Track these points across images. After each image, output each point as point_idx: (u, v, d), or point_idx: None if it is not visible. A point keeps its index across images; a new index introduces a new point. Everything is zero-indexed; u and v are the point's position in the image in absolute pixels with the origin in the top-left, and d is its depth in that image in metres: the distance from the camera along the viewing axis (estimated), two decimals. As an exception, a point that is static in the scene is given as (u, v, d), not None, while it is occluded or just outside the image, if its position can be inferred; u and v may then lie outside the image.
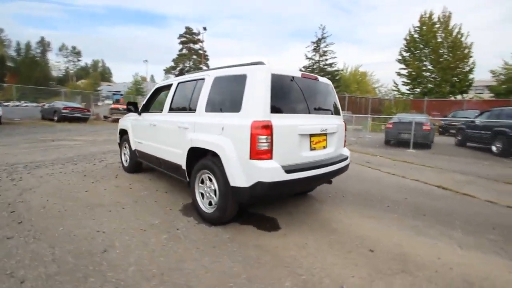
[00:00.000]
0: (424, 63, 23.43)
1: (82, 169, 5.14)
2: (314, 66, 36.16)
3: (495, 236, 2.89)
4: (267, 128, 2.42)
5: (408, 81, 24.77)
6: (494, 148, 8.75)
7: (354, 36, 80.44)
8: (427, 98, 21.54)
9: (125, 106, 5.31)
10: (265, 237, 2.69)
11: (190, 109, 3.30)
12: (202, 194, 3.04)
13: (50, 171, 4.88)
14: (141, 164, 4.90)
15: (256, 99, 2.52)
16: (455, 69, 21.74)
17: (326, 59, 35.14)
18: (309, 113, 2.91)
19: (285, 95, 2.69)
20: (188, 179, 3.23)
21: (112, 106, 21.27)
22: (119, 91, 33.71)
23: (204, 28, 26.10)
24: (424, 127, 9.87)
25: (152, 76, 57.71)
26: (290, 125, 2.64)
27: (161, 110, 5.20)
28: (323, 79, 3.29)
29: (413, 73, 23.93)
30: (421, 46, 23.56)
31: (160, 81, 4.55)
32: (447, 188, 4.72)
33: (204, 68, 30.07)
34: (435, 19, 22.83)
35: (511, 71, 21.10)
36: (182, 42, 32.20)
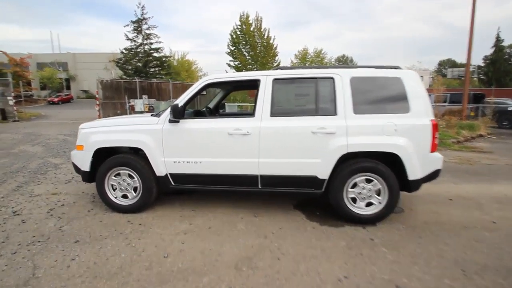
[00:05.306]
0: (247, 57, 28.10)
1: (56, 234, 2.67)
2: (138, 49, 32.82)
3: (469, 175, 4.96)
4: (437, 125, 2.88)
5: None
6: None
7: (160, 21, 78.44)
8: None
9: None
10: (412, 218, 3.18)
11: (320, 111, 2.90)
12: (353, 198, 2.94)
13: (42, 249, 2.23)
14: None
15: (424, 100, 2.87)
16: (268, 64, 27.93)
17: (151, 43, 32.86)
18: None
19: None
20: (323, 189, 2.94)
21: None
22: None
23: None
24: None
25: None
26: None
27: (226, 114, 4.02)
28: None
29: (240, 65, 28.09)
30: (244, 42, 27.93)
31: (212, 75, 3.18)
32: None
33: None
34: (251, 21, 27.68)
35: (295, 66, 30.40)
36: None
